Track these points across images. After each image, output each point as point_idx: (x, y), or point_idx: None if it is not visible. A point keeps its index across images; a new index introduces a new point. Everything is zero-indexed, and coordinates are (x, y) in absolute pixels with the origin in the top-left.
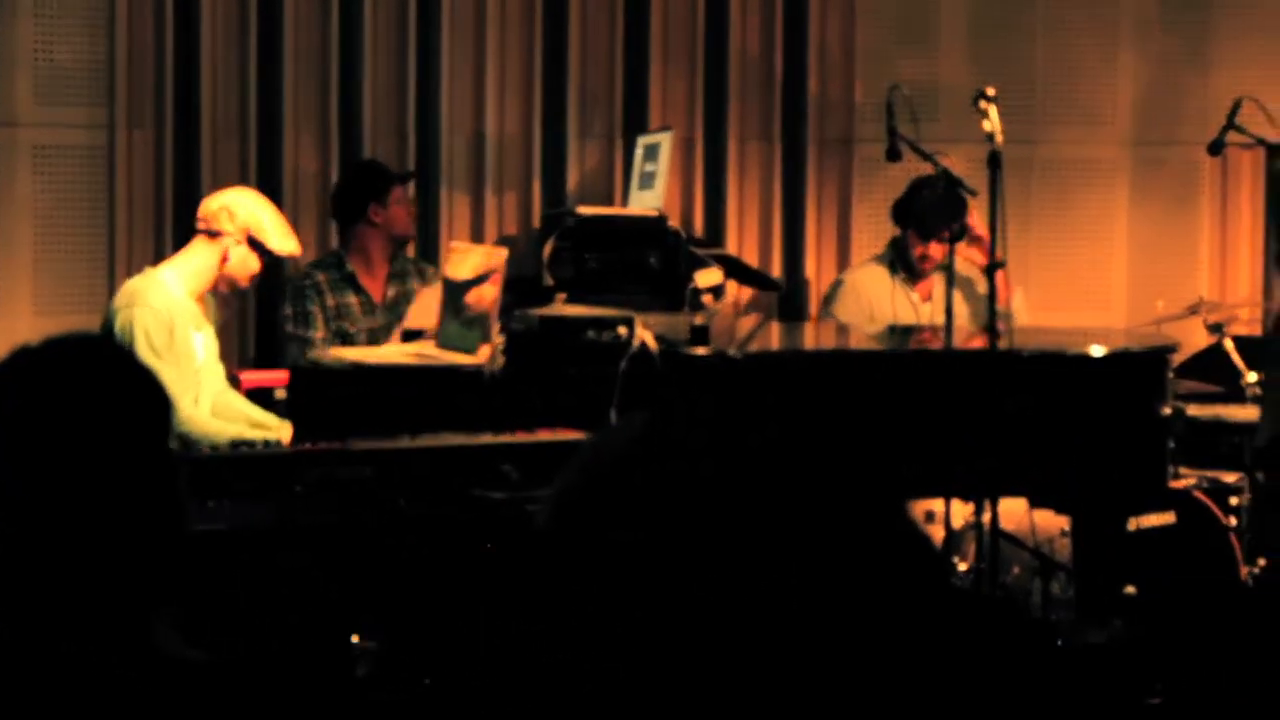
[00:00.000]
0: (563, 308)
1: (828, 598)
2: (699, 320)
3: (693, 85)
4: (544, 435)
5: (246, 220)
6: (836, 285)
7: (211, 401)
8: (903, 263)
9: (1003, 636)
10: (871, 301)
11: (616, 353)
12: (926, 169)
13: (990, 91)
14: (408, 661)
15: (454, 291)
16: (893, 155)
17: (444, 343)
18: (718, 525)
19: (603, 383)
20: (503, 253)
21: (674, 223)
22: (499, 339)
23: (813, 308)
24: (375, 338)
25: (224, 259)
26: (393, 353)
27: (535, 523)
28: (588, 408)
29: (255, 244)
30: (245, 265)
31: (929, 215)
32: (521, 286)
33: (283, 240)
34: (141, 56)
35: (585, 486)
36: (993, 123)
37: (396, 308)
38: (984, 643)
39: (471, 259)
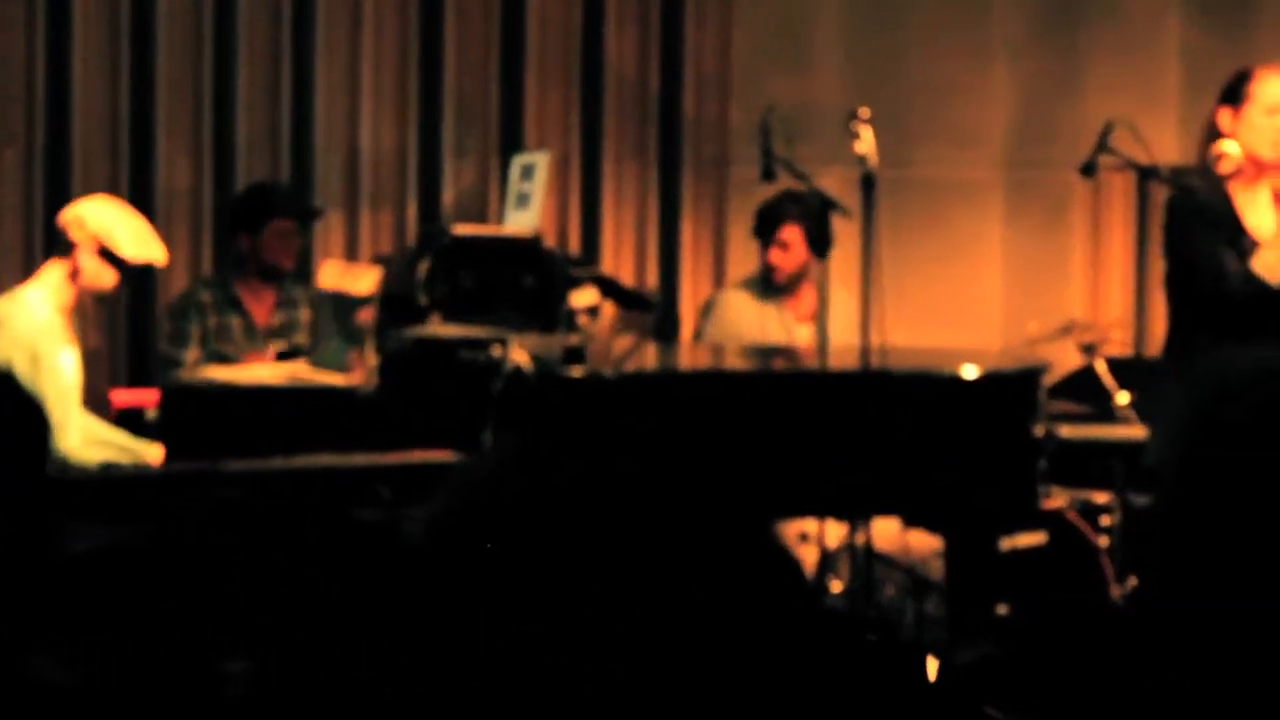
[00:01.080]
0: (437, 327)
1: (693, 616)
2: (574, 340)
3: (569, 105)
4: (418, 456)
5: (97, 229)
6: (707, 306)
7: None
8: (767, 282)
9: (869, 655)
10: (737, 323)
11: (490, 373)
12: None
13: (864, 113)
14: (280, 682)
15: (328, 310)
16: (767, 176)
17: (318, 362)
18: (587, 545)
19: (477, 403)
20: (375, 271)
21: (550, 242)
22: (373, 359)
23: (687, 328)
24: None
25: (77, 270)
26: (265, 373)
27: (408, 541)
28: (462, 428)
29: (107, 253)
30: (99, 276)
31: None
32: (396, 306)
33: (138, 247)
34: (11, 72)
35: (458, 506)
36: (866, 144)
37: (281, 334)
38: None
39: (344, 277)
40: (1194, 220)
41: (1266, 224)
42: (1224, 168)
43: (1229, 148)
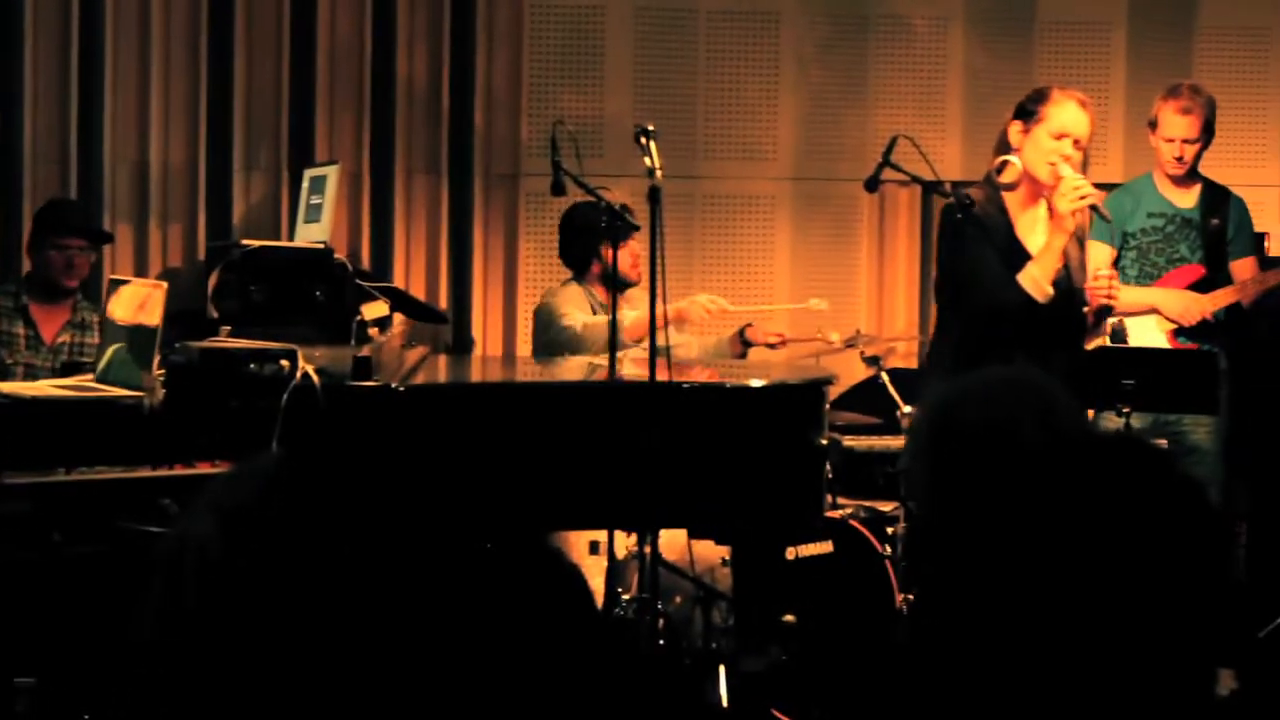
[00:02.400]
0: (224, 340)
1: (473, 627)
2: (364, 352)
3: (360, 119)
4: (204, 469)
5: None
6: (548, 308)
7: None
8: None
9: (655, 664)
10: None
11: (278, 385)
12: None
13: (650, 127)
14: (65, 698)
15: (115, 326)
16: (557, 189)
17: (103, 377)
18: (364, 558)
19: (264, 416)
20: (162, 286)
21: (341, 255)
22: (160, 372)
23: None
24: (32, 374)
25: None
26: (48, 386)
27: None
28: (249, 441)
29: None
30: None
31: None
32: (186, 320)
33: None
34: None
35: (218, 524)
36: (653, 158)
37: (67, 353)
38: (635, 670)
39: (132, 292)
40: (966, 231)
41: (1038, 241)
42: (1005, 179)
43: (1013, 161)
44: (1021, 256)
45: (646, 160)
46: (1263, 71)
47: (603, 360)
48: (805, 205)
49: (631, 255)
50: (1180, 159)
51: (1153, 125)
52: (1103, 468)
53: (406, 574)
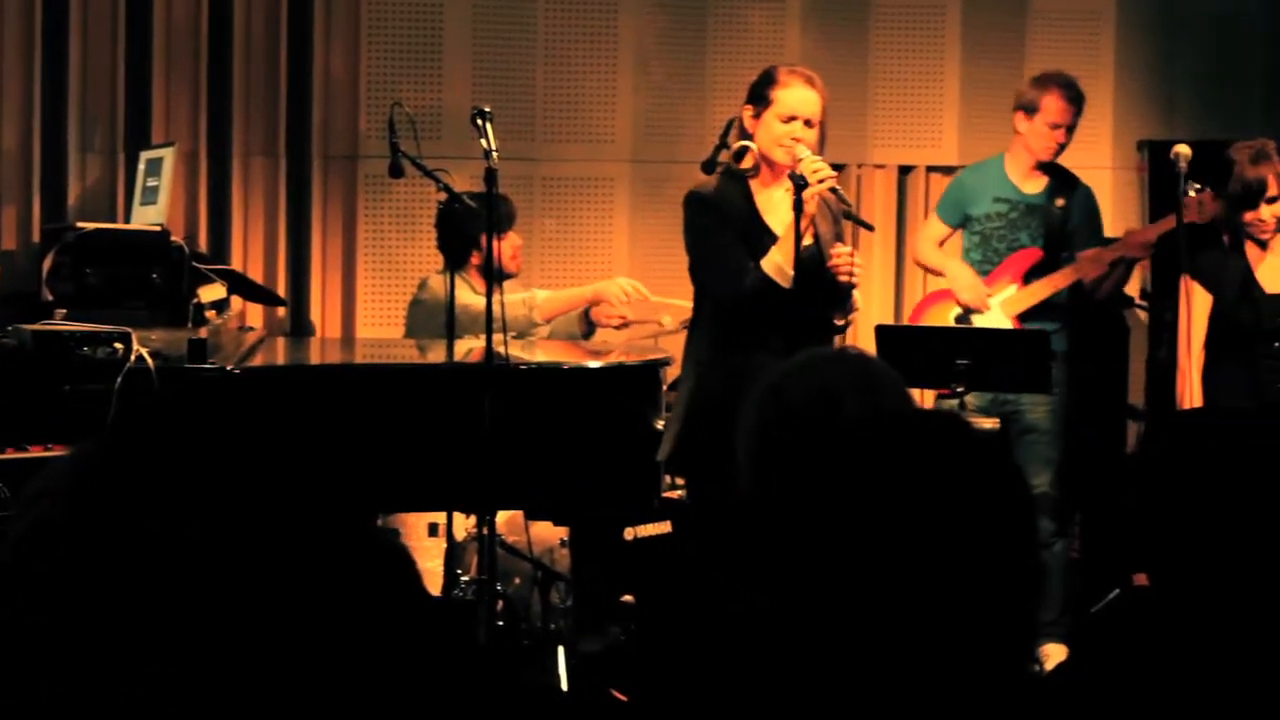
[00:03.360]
0: (58, 323)
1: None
2: (201, 334)
3: (196, 100)
4: (37, 452)
5: None
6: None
7: None
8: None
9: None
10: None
11: (113, 369)
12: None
13: (487, 109)
14: None
15: None
16: (395, 172)
17: None
18: (186, 541)
19: (98, 399)
20: None
21: (177, 238)
22: None
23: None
24: None
25: None
26: None
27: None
28: (83, 424)
29: None
30: None
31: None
32: (19, 302)
33: None
34: None
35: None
36: (489, 140)
37: None
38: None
39: None
40: (709, 215)
41: (783, 221)
42: (744, 165)
43: (750, 146)
44: (770, 238)
45: (483, 142)
46: (1094, 55)
47: (479, 341)
48: (644, 188)
49: (512, 247)
50: (1061, 145)
51: (1030, 110)
52: (913, 443)
53: (229, 557)
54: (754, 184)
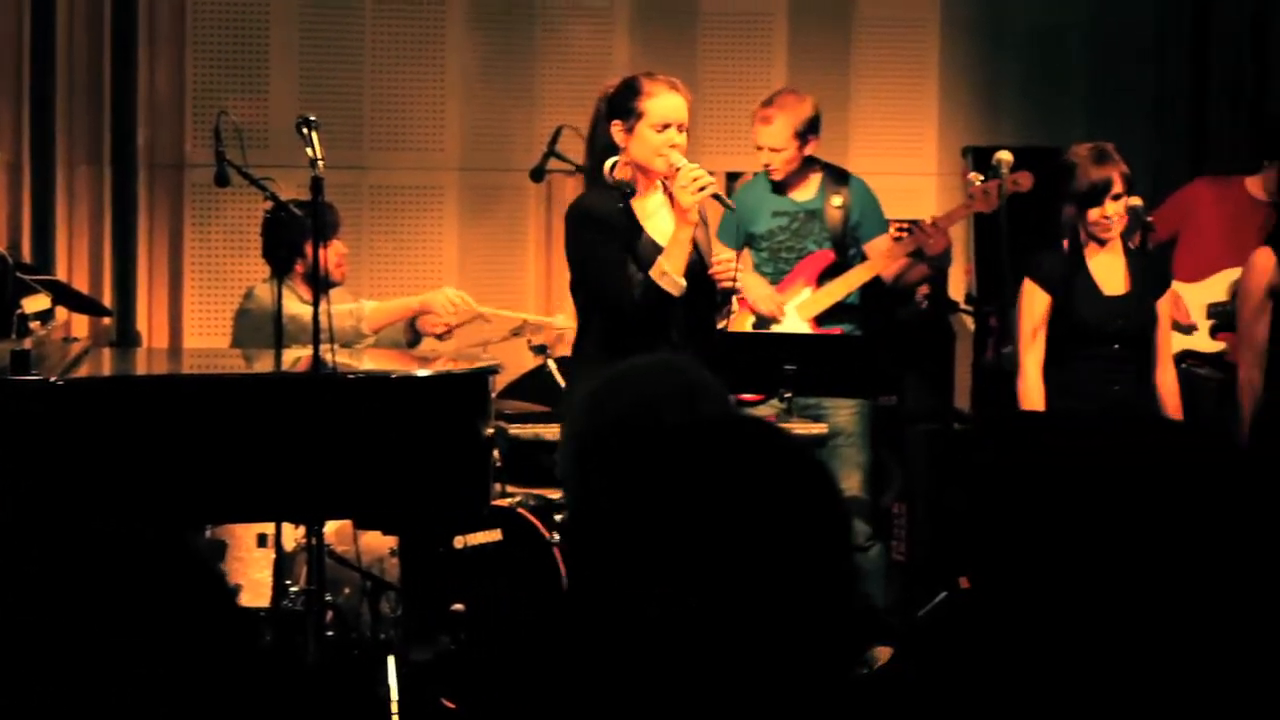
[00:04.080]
0: None
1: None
2: (25, 346)
3: (19, 109)
4: None
5: None
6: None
7: None
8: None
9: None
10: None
11: None
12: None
13: (312, 117)
14: None
15: None
16: (221, 180)
17: None
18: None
19: None
20: None
21: (0, 248)
22: None
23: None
24: None
25: None
26: None
27: None
28: None
29: None
30: None
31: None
32: None
33: None
34: None
35: None
36: (315, 148)
37: None
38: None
39: None
40: (593, 229)
41: (662, 227)
42: (619, 177)
43: (623, 161)
44: (651, 247)
45: (309, 151)
46: (919, 62)
47: (307, 351)
48: (473, 196)
49: (337, 255)
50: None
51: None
52: (726, 449)
53: (32, 564)
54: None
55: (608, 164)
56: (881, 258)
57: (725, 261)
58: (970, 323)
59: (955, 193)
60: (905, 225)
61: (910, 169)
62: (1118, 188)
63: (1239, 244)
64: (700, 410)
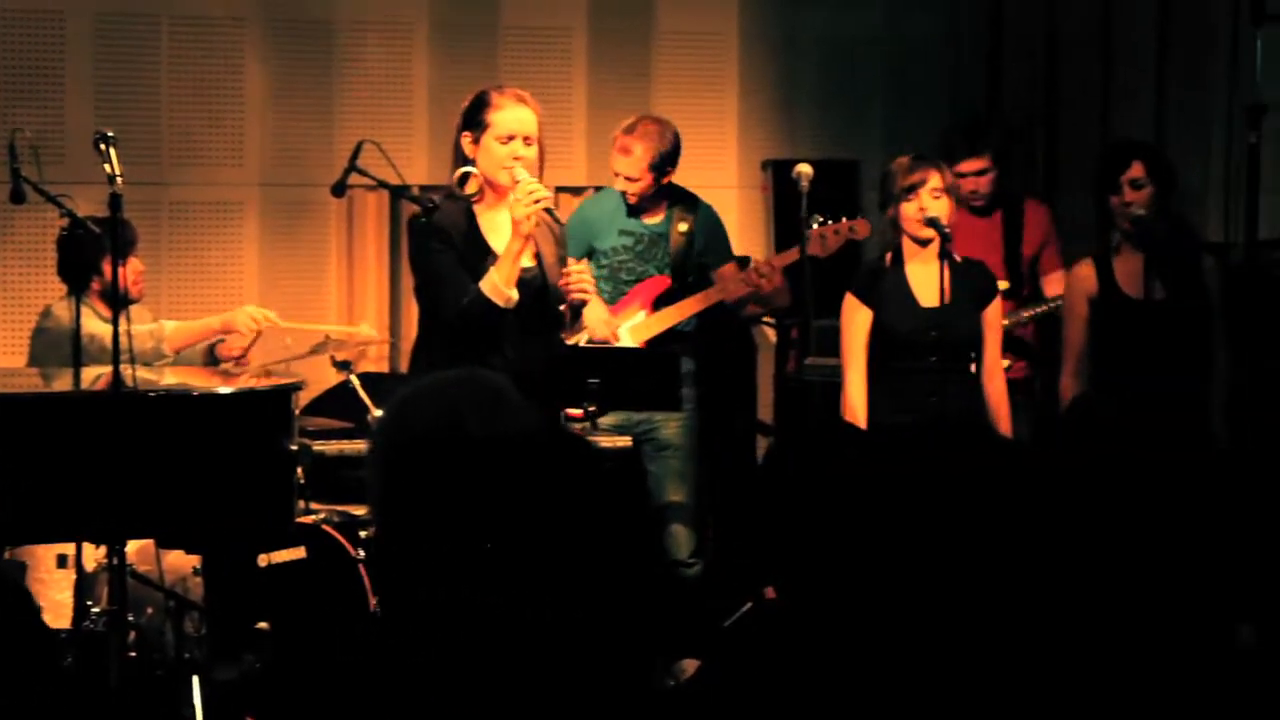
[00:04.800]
0: None
1: None
2: None
3: None
4: None
5: None
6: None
7: None
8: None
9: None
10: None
11: None
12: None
13: (110, 133)
14: None
15: None
16: (17, 198)
17: None
18: None
19: None
20: None
21: None
22: None
23: None
24: None
25: None
26: None
27: None
28: None
29: None
30: None
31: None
32: None
33: None
34: None
35: None
36: (113, 164)
37: None
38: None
39: None
40: (432, 238)
41: (499, 242)
42: (468, 190)
43: (473, 172)
44: (492, 260)
45: (107, 167)
46: (719, 75)
47: (107, 369)
48: (274, 211)
49: (134, 272)
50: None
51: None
52: (538, 462)
53: None
54: (478, 206)
55: (456, 174)
56: (718, 290)
57: (578, 273)
58: (772, 335)
59: (755, 206)
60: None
61: (711, 181)
62: (934, 182)
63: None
64: (503, 423)
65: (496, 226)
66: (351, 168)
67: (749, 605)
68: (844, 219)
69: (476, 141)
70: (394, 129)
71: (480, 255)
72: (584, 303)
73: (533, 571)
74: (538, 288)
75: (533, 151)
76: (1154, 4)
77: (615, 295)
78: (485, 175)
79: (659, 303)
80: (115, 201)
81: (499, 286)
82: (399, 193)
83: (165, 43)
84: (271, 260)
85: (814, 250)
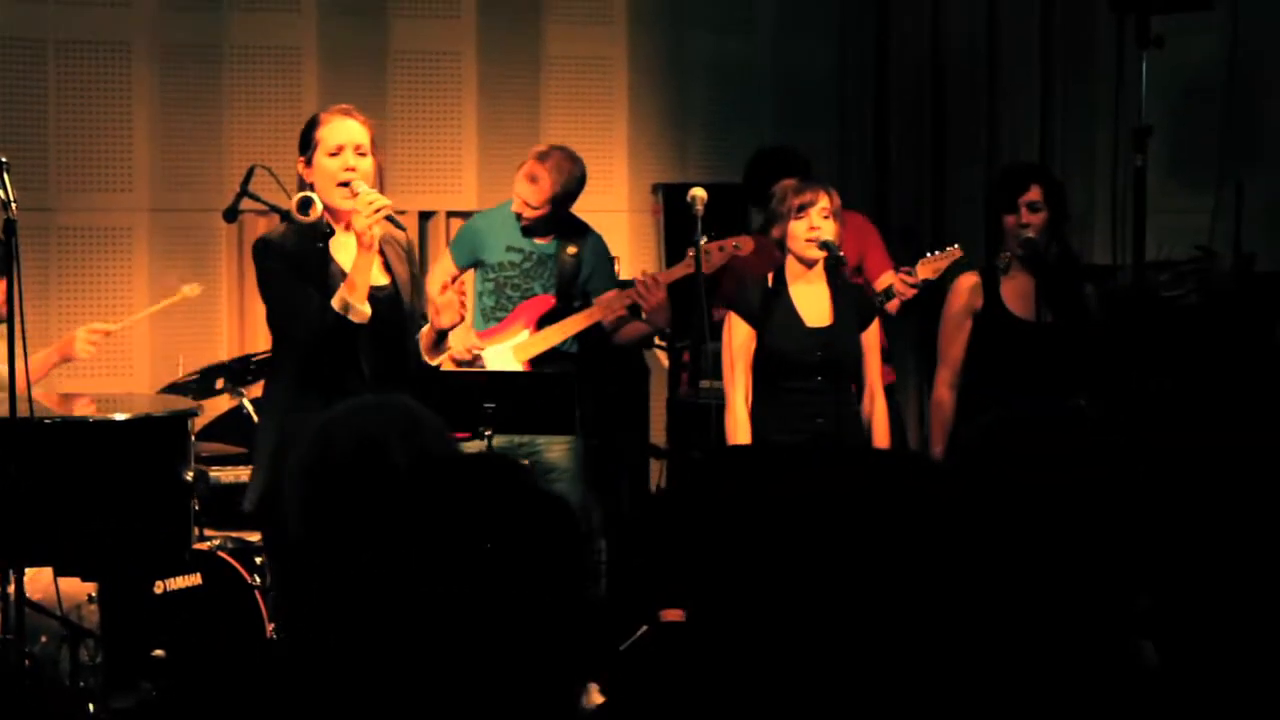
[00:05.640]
0: None
1: None
2: None
3: None
4: None
5: None
6: None
7: None
8: None
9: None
10: None
11: None
12: None
13: (3, 159)
14: None
15: None
16: None
17: None
18: None
19: None
20: None
21: None
22: None
23: None
24: None
25: None
26: None
27: None
28: None
29: None
30: None
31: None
32: None
33: None
34: None
35: None
36: (7, 190)
37: None
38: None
39: None
40: (273, 260)
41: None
42: (311, 216)
43: (313, 197)
44: (341, 278)
45: (0, 193)
46: (608, 99)
47: None
48: (164, 236)
49: None
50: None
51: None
52: (468, 484)
53: None
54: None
55: (295, 200)
56: (601, 308)
57: (448, 297)
58: (664, 358)
59: (646, 229)
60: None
61: (602, 205)
62: (823, 203)
63: None
64: (425, 447)
65: (343, 247)
66: (244, 192)
67: (644, 630)
68: (729, 237)
69: (310, 163)
70: (283, 154)
71: (331, 278)
72: (456, 324)
73: (454, 595)
74: (392, 305)
75: (367, 163)
76: (1038, 29)
77: (498, 307)
78: (324, 198)
79: (542, 322)
80: (10, 228)
81: (351, 303)
82: (288, 217)
83: (51, 65)
84: (162, 285)
85: (702, 267)
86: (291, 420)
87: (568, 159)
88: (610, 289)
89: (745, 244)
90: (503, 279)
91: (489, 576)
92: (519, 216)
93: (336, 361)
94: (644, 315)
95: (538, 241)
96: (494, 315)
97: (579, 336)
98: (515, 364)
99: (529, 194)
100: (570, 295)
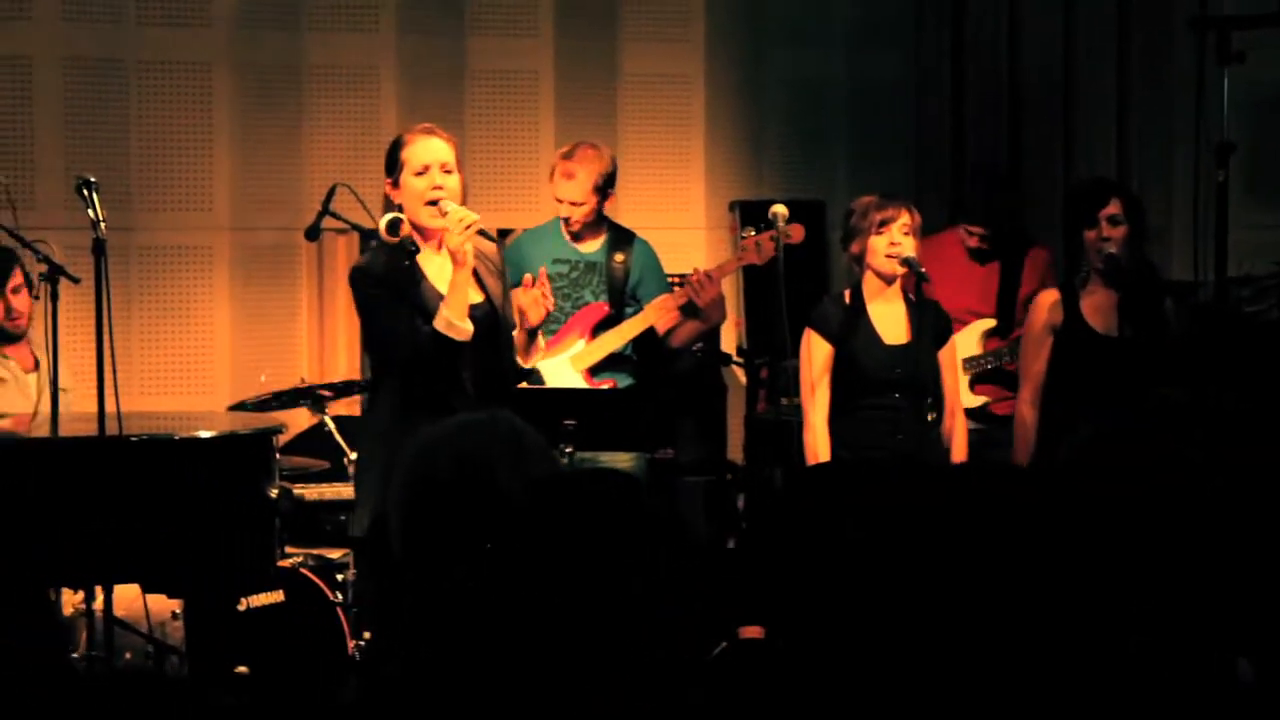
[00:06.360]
0: None
1: None
2: None
3: None
4: None
5: None
6: None
7: None
8: None
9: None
10: None
11: None
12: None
13: (91, 178)
14: None
15: None
16: None
17: None
18: None
19: None
20: None
21: None
22: None
23: None
24: None
25: None
26: None
27: None
28: None
29: None
30: None
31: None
32: None
33: None
34: None
35: None
36: (96, 209)
37: None
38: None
39: None
40: (371, 286)
41: (444, 282)
42: (401, 236)
43: (401, 217)
44: (436, 298)
45: (90, 212)
46: (686, 118)
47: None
48: (244, 255)
49: (21, 305)
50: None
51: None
52: (580, 502)
53: None
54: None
55: (383, 222)
56: (655, 310)
57: (533, 296)
58: (742, 375)
59: (724, 246)
60: (677, 279)
61: (679, 223)
62: (904, 219)
63: (974, 292)
64: (531, 469)
65: (431, 262)
66: (325, 211)
67: (724, 645)
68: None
69: (397, 184)
70: (362, 172)
71: (421, 295)
72: (543, 323)
73: (580, 614)
74: (488, 320)
75: (453, 180)
76: (1115, 44)
77: (553, 320)
78: (412, 218)
79: (597, 330)
80: (99, 246)
81: (452, 321)
82: (370, 235)
83: (132, 87)
84: (243, 304)
85: (750, 259)
86: (399, 442)
87: (592, 147)
88: (661, 293)
89: (795, 231)
90: (552, 289)
91: (603, 594)
92: (567, 222)
93: (441, 381)
94: (700, 312)
95: (583, 249)
96: (548, 329)
97: (635, 341)
98: (574, 374)
99: (572, 192)
100: (622, 302)
